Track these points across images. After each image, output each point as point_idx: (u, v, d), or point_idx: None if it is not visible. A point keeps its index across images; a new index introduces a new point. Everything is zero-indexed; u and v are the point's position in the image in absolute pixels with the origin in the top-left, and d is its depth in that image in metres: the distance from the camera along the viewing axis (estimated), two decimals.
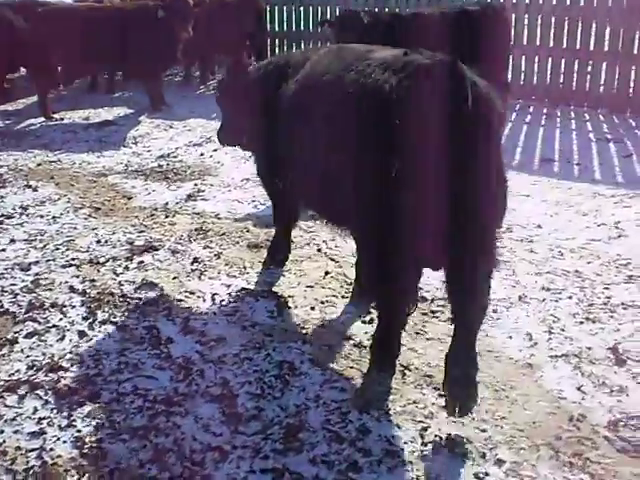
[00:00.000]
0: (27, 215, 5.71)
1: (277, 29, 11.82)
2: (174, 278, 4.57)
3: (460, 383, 2.92)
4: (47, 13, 9.13)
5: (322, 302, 4.27)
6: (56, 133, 8.55)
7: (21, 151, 7.70)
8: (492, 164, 2.80)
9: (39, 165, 7.20)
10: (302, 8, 11.39)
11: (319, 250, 5.05)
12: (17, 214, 5.72)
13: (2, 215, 5.67)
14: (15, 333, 3.88)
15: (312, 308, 4.20)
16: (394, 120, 2.68)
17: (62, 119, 9.32)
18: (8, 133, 8.62)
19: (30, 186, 6.42)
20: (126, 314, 4.10)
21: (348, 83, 2.99)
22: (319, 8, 11.13)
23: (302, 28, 11.44)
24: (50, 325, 3.97)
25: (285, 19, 11.71)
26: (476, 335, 3.05)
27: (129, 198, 6.20)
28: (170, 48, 9.12)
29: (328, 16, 10.51)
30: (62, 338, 3.85)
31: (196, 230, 5.38)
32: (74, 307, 4.17)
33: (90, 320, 4.02)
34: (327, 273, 4.66)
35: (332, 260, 4.88)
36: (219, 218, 5.64)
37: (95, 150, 7.76)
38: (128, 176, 6.85)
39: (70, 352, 3.70)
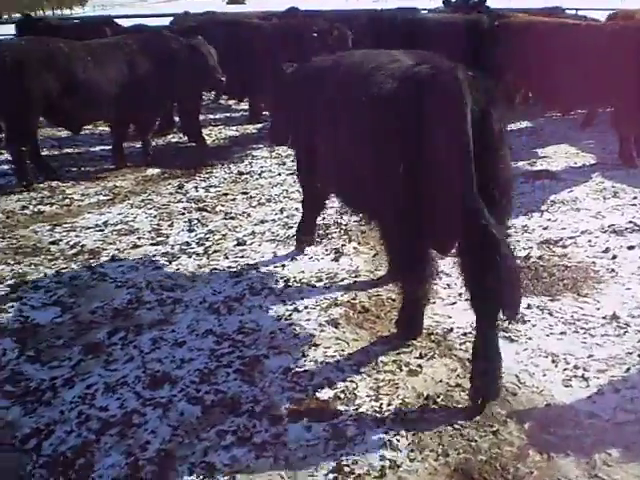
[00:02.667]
0: (278, 295, 4.48)
1: None
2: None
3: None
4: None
5: None
6: None
7: None
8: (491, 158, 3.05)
9: None
10: None
11: None
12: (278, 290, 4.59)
13: (250, 288, 4.57)
14: None
15: None
16: (401, 123, 3.12)
17: None
18: None
19: (338, 251, 5.13)
20: None
21: (367, 89, 3.37)
22: None
23: None
24: None
25: None
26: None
27: None
28: None
29: None
30: None
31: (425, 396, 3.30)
32: None
33: None
34: None
35: None
36: None
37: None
38: None
39: None
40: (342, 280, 4.69)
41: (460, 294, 4.35)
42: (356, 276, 4.74)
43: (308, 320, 4.16)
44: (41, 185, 7.05)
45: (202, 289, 4.64)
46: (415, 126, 3.03)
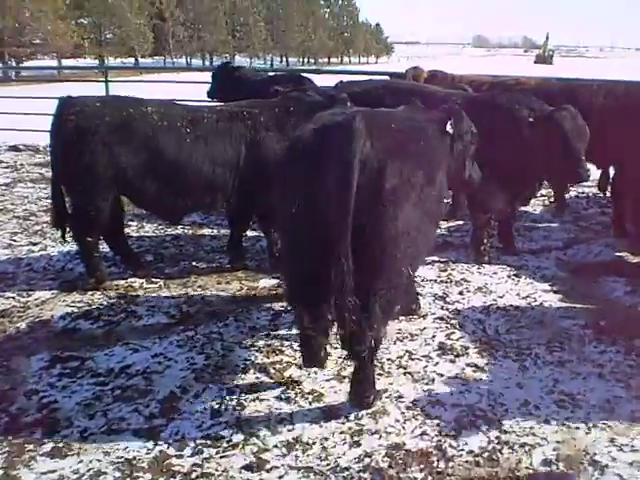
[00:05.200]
0: None
1: None
2: None
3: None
4: None
5: None
6: None
7: None
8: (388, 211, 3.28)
9: None
10: None
11: None
12: None
13: None
14: None
15: None
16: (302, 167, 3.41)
17: None
18: None
19: None
20: None
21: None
22: None
23: None
24: None
25: None
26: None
27: None
28: None
29: None
30: None
31: None
32: None
33: None
34: None
35: None
36: None
37: None
38: None
39: None
40: None
41: None
42: None
43: None
44: (120, 283, 5.60)
45: None
46: (309, 170, 3.32)
